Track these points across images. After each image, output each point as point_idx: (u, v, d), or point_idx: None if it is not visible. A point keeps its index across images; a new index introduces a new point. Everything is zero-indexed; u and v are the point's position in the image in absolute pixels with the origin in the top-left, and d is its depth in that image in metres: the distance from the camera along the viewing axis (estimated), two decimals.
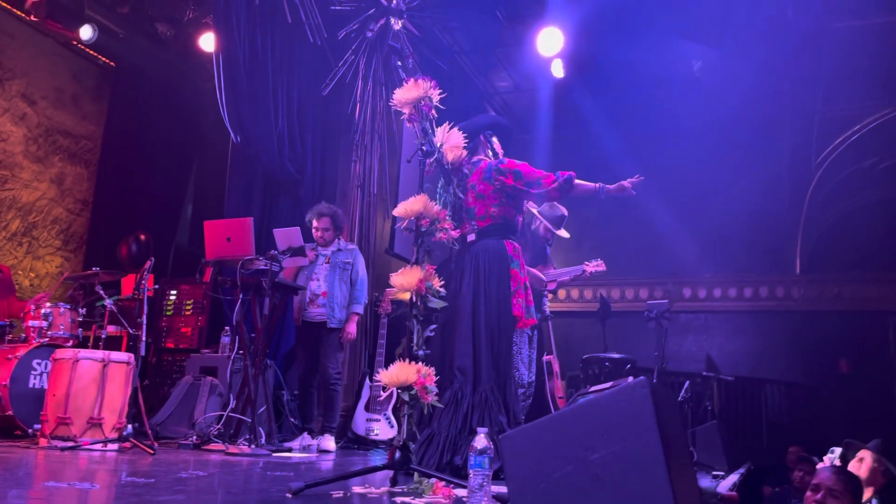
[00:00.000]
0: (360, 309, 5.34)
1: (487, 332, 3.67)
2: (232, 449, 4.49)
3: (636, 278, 9.80)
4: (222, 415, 4.92)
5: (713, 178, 8.99)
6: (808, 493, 2.84)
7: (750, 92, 8.45)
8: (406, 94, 2.83)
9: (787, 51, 7.82)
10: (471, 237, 3.86)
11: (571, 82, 8.32)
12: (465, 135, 3.80)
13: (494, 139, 4.08)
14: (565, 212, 5.35)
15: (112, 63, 7.87)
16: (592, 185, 3.92)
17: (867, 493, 3.69)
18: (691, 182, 9.07)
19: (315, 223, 5.36)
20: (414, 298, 2.77)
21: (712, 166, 8.99)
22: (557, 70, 8.01)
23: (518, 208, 3.98)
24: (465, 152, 2.87)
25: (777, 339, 9.07)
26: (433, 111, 2.85)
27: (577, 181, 3.85)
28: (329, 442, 5.08)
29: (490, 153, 4.03)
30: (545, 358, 6.26)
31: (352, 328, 5.28)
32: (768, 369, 8.73)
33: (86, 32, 6.83)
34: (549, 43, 7.45)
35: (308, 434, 5.16)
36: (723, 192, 8.94)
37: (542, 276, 5.38)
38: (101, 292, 5.31)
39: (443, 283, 2.87)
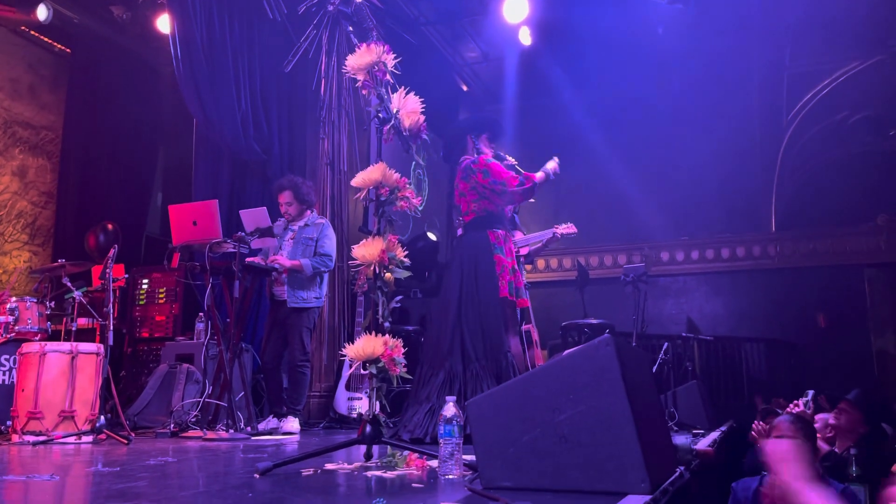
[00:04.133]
0: (307, 267, 4.97)
1: (475, 315, 3.95)
2: (210, 435, 4.43)
3: (614, 245, 9.79)
4: (199, 401, 4.85)
5: (685, 140, 8.97)
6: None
7: (718, 52, 8.41)
8: (359, 59, 2.74)
9: (752, 7, 7.76)
10: (459, 231, 4.25)
11: (539, 50, 8.23)
12: (456, 135, 4.39)
13: (483, 137, 4.34)
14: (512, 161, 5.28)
15: (68, 50, 7.66)
16: (542, 174, 4.24)
17: (847, 441, 3.71)
18: (663, 146, 9.05)
19: (278, 197, 5.22)
20: (377, 270, 2.71)
21: (683, 129, 8.96)
22: (525, 37, 7.93)
23: (496, 202, 4.17)
24: (422, 118, 2.80)
25: (755, 297, 9.12)
26: (388, 76, 2.76)
27: (537, 178, 4.17)
28: (292, 424, 4.94)
29: (475, 153, 4.26)
30: (524, 327, 6.23)
31: (283, 261, 4.97)
32: (748, 328, 8.78)
33: (42, 13, 6.58)
34: (515, 9, 7.36)
35: (274, 416, 5.05)
36: (695, 154, 8.92)
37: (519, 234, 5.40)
38: (69, 284, 5.21)
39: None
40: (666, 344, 6.23)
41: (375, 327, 2.68)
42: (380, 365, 2.59)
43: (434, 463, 2.58)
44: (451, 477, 2.26)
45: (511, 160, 4.66)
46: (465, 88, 9.90)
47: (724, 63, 8.57)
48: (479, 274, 4.03)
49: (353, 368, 5.88)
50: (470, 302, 3.98)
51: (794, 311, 8.81)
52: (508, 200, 4.22)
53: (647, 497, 1.87)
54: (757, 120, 9.16)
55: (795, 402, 3.44)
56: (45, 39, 7.48)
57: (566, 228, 5.44)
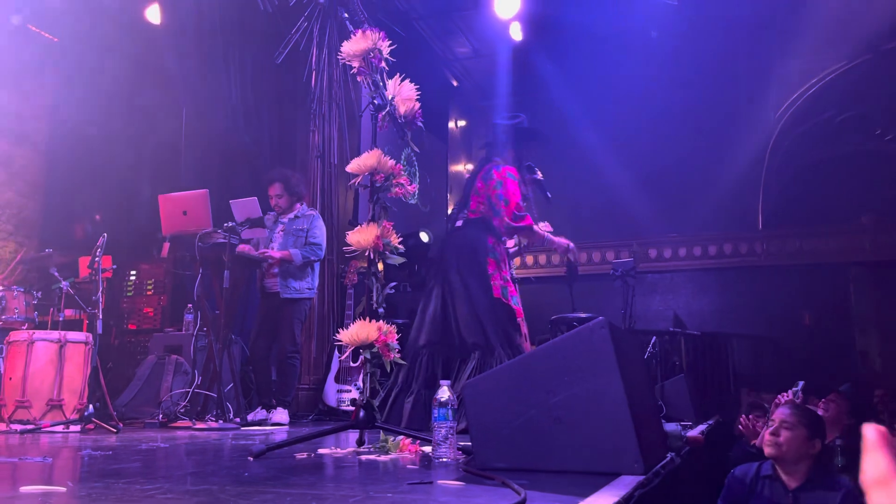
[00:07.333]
0: (297, 256, 4.96)
1: (487, 311, 3.95)
2: (199, 425, 4.42)
3: (602, 241, 9.83)
4: (188, 391, 4.83)
5: (674, 137, 9.02)
6: (766, 430, 2.86)
7: (707, 50, 8.45)
8: (354, 45, 2.74)
9: (742, 6, 7.82)
10: (458, 223, 4.23)
11: (530, 45, 8.25)
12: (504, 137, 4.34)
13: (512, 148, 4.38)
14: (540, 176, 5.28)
15: (55, 39, 7.58)
16: (542, 234, 4.27)
17: (833, 432, 3.75)
18: (652, 143, 9.09)
19: (269, 190, 5.21)
20: (372, 256, 2.71)
21: (673, 126, 9.01)
22: (516, 33, 7.95)
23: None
24: (417, 104, 2.81)
25: (742, 294, 9.18)
26: (383, 63, 2.77)
27: (535, 228, 4.18)
28: (281, 415, 4.92)
29: (508, 162, 4.29)
30: None
31: (272, 252, 4.97)
32: (734, 324, 8.85)
33: (16, 20, 6.56)
34: (507, 4, 7.38)
35: (263, 408, 5.04)
36: (684, 152, 8.97)
37: None
38: (57, 274, 5.18)
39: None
40: (654, 338, 6.27)
41: (370, 313, 2.69)
42: (374, 350, 2.59)
43: (428, 448, 2.59)
44: (445, 460, 2.27)
45: (539, 175, 4.65)
46: (455, 84, 9.91)
47: (713, 61, 8.61)
48: (472, 271, 4.02)
49: (343, 356, 5.89)
50: (480, 299, 3.97)
51: (780, 308, 8.89)
52: (498, 223, 4.15)
53: (640, 478, 1.88)
54: (745, 118, 9.22)
55: (784, 392, 3.47)
56: (31, 28, 7.39)
57: (544, 226, 5.53)
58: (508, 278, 4.16)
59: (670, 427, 2.80)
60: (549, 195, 4.65)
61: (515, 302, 4.10)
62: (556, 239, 4.36)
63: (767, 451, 2.77)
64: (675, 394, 5.52)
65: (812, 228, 9.06)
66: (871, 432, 0.85)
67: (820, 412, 3.67)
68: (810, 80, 9.09)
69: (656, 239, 9.63)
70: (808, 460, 2.71)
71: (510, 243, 5.56)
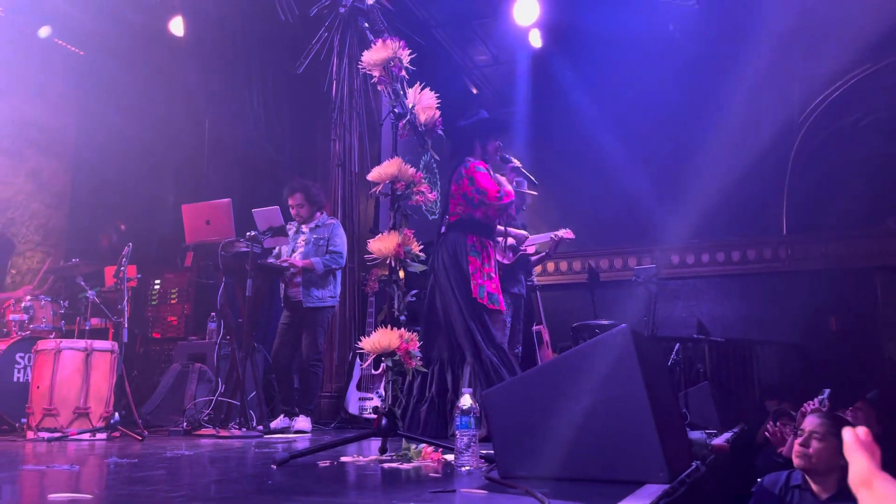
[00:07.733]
0: (318, 265, 5.03)
1: (470, 312, 4.01)
2: (223, 432, 4.45)
3: (623, 247, 9.77)
4: (212, 399, 4.87)
5: (696, 143, 8.94)
6: (795, 440, 2.80)
7: (729, 54, 8.39)
8: (375, 55, 2.76)
9: (764, 8, 7.76)
10: (443, 229, 4.30)
11: (549, 52, 8.24)
12: (465, 136, 4.43)
13: (492, 142, 4.47)
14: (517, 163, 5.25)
15: (81, 52, 7.72)
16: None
17: None
18: (674, 148, 9.03)
19: (289, 200, 5.26)
20: (393, 264, 2.72)
21: (694, 132, 8.94)
22: (535, 40, 7.95)
23: (479, 211, 4.21)
24: (437, 112, 2.82)
25: (766, 300, 9.07)
26: (403, 72, 2.78)
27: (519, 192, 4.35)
28: (304, 422, 4.94)
29: (479, 157, 4.34)
30: (534, 328, 6.27)
31: (297, 262, 5.03)
32: (758, 331, 8.73)
33: (45, 31, 6.70)
34: (526, 12, 7.38)
35: (285, 416, 5.06)
36: (706, 157, 8.88)
37: (524, 233, 5.47)
38: (83, 283, 5.26)
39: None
40: (677, 345, 6.22)
41: (391, 321, 2.70)
42: (395, 358, 2.60)
43: (450, 456, 2.58)
44: (467, 468, 2.26)
45: (516, 162, 4.70)
46: (474, 91, 9.92)
47: (735, 65, 8.53)
48: (456, 274, 4.09)
49: (365, 364, 5.91)
50: (462, 301, 4.04)
51: (805, 314, 8.75)
52: (485, 212, 4.21)
53: (666, 486, 1.87)
54: (768, 122, 9.11)
55: (810, 401, 3.40)
56: (58, 41, 7.53)
57: (565, 233, 5.59)
58: (493, 276, 4.20)
59: (695, 435, 2.77)
60: (535, 180, 4.77)
61: (494, 300, 4.10)
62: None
63: (797, 462, 2.70)
64: (699, 401, 5.46)
65: (837, 232, 8.92)
66: (847, 436, 0.90)
67: (848, 419, 3.60)
68: (834, 84, 8.98)
69: (678, 245, 9.53)
70: (839, 471, 2.65)
71: (530, 250, 5.57)
